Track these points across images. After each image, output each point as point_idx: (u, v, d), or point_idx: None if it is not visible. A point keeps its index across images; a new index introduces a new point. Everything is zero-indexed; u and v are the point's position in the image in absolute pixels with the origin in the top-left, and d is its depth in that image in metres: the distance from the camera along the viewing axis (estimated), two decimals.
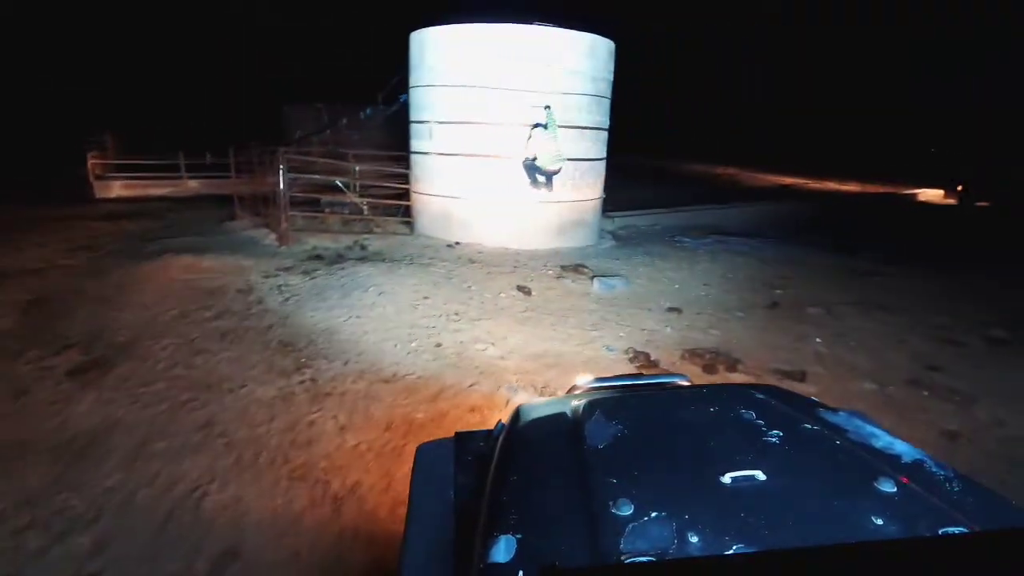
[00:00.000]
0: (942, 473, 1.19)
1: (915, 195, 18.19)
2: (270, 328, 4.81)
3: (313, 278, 6.01)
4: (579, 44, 7.89)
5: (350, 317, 5.02)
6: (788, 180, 21.12)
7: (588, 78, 8.07)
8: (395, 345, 4.59)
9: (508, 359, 4.50)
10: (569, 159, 7.88)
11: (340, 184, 8.87)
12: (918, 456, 1.25)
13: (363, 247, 7.60)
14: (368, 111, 11.53)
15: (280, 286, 5.77)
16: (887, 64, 28.31)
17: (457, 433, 1.74)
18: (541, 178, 7.72)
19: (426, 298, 5.56)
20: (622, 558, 0.96)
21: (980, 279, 7.58)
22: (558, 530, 1.06)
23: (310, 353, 4.40)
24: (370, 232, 8.35)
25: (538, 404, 1.70)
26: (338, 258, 6.88)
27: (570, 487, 1.18)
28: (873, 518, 1.03)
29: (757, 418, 1.38)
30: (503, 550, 1.02)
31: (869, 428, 1.40)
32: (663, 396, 1.72)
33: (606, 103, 8.57)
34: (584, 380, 1.89)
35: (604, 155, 8.88)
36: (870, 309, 6.10)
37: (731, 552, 0.97)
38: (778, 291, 6.67)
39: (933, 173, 19.95)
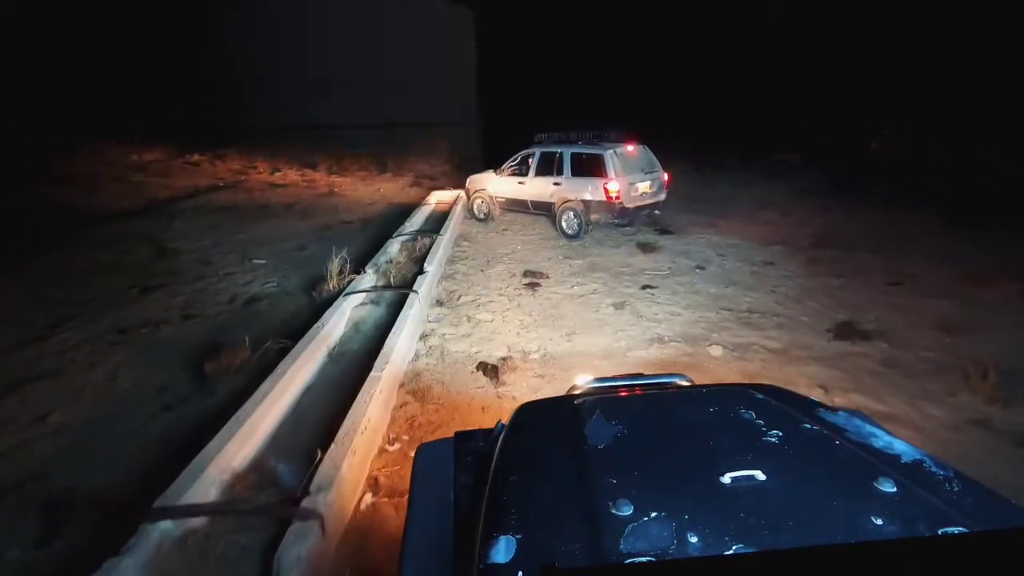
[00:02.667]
0: (942, 473, 1.14)
1: None
2: None
3: None
4: None
5: None
6: None
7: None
8: None
9: None
10: None
11: None
12: (918, 456, 1.20)
13: None
14: None
15: None
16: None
17: (457, 433, 1.69)
18: None
19: None
20: (622, 558, 0.93)
21: None
22: (558, 530, 1.02)
23: None
24: None
25: (538, 404, 1.62)
26: None
27: (570, 487, 1.13)
28: (873, 518, 1.00)
29: (757, 418, 1.33)
30: (503, 550, 0.99)
31: (869, 428, 1.34)
32: (663, 396, 1.65)
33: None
34: (584, 380, 1.82)
35: None
36: None
37: (731, 552, 0.94)
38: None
39: None
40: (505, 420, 1.54)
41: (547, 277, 6.97)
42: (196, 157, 18.97)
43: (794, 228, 9.17)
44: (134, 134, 17.52)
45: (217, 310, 5.94)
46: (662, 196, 9.01)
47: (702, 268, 7.15)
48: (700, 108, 19.56)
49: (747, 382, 1.87)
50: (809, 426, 1.31)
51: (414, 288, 5.42)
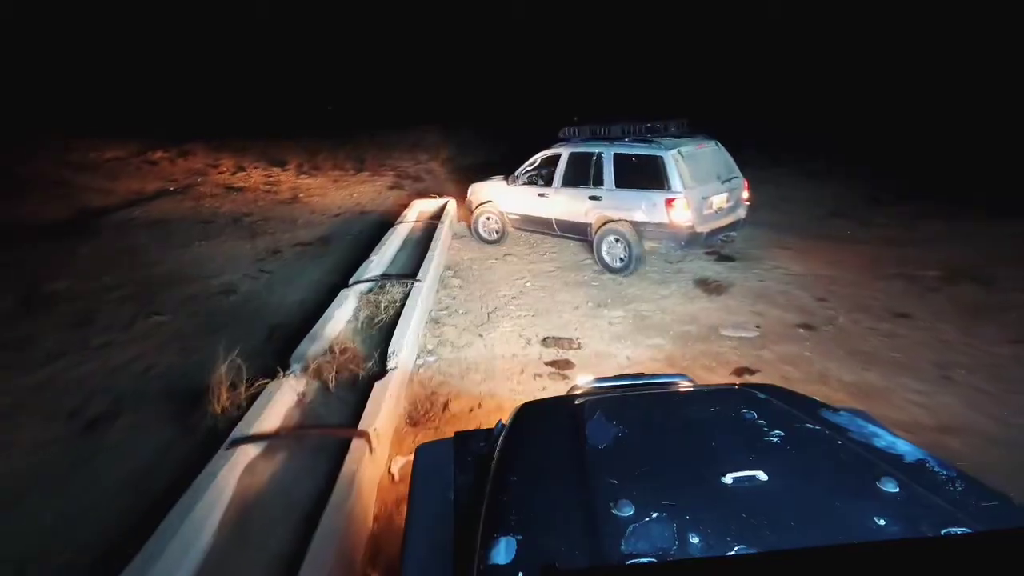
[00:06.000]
0: (945, 473, 1.07)
1: None
2: None
3: None
4: None
5: None
6: None
7: None
8: None
9: None
10: None
11: None
12: (921, 456, 1.13)
13: None
14: None
15: None
16: None
17: (457, 433, 1.59)
18: None
19: None
20: (623, 559, 0.87)
21: None
22: (559, 531, 0.97)
23: None
24: None
25: (539, 404, 1.54)
26: None
27: (570, 488, 1.08)
28: (875, 518, 0.93)
29: (759, 418, 1.26)
30: (503, 551, 0.92)
31: (871, 428, 1.27)
32: (664, 396, 1.57)
33: None
34: (585, 380, 1.73)
35: None
36: None
37: (733, 553, 0.88)
38: None
39: None
40: (505, 420, 1.42)
41: (579, 347, 4.42)
42: (158, 154, 16.17)
43: (894, 249, 6.56)
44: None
45: (37, 439, 3.37)
46: (742, 213, 6.14)
47: (809, 328, 4.60)
48: (697, 106, 17.29)
49: (748, 383, 1.63)
50: (811, 426, 1.23)
51: (360, 427, 2.76)
